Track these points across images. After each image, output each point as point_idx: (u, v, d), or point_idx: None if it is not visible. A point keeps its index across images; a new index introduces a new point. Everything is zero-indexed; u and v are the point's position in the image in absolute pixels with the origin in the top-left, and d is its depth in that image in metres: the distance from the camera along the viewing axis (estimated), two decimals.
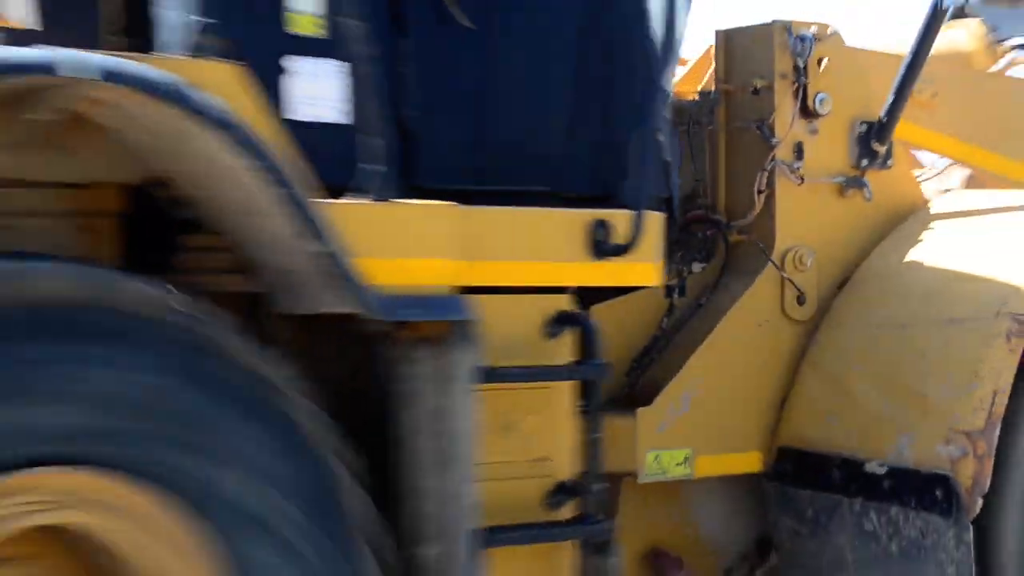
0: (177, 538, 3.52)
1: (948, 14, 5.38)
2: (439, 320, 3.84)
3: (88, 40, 4.02)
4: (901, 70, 5.38)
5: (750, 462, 5.20)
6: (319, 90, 4.06)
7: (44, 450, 3.34)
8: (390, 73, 4.17)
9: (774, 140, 5.23)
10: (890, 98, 5.38)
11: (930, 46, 5.37)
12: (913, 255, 5.27)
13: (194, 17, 4.00)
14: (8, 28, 4.04)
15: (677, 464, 5.00)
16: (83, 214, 4.14)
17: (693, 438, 5.04)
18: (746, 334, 5.20)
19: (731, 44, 5.37)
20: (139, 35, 4.15)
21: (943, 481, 4.74)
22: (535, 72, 4.42)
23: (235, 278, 4.06)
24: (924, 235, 5.35)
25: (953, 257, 5.18)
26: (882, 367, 5.02)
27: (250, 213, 3.76)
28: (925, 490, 4.79)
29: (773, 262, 5.23)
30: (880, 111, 5.43)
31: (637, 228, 4.33)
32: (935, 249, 5.27)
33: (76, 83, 3.46)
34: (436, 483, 3.90)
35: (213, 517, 3.54)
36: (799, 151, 5.29)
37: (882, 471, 4.90)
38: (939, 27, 5.37)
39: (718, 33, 5.44)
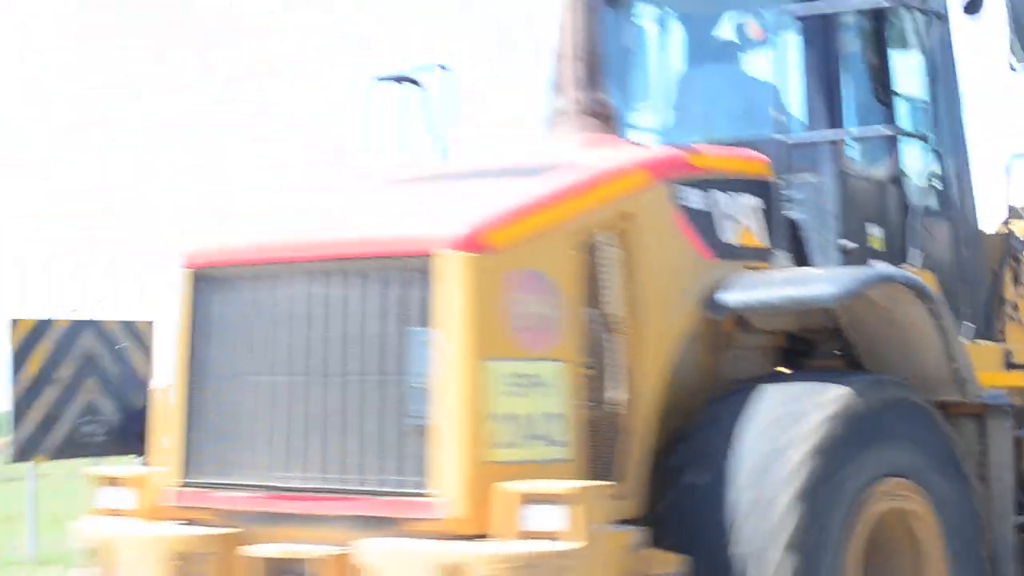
0: (923, 510, 6.84)
1: None
2: (1001, 405, 7.33)
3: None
4: None
5: None
6: None
7: (894, 469, 6.65)
8: None
9: (1007, 302, 8.85)
10: None
11: None
12: None
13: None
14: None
15: None
16: (770, 347, 7.41)
17: None
18: None
19: None
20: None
21: None
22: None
23: None
24: None
25: None
26: None
27: (911, 348, 7.11)
28: None
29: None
30: None
31: None
32: None
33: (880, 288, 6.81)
34: (984, 494, 7.32)
35: (932, 494, 6.88)
36: (1016, 307, 8.93)
37: None
38: None
39: None
